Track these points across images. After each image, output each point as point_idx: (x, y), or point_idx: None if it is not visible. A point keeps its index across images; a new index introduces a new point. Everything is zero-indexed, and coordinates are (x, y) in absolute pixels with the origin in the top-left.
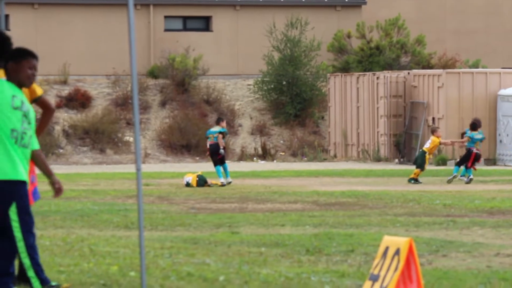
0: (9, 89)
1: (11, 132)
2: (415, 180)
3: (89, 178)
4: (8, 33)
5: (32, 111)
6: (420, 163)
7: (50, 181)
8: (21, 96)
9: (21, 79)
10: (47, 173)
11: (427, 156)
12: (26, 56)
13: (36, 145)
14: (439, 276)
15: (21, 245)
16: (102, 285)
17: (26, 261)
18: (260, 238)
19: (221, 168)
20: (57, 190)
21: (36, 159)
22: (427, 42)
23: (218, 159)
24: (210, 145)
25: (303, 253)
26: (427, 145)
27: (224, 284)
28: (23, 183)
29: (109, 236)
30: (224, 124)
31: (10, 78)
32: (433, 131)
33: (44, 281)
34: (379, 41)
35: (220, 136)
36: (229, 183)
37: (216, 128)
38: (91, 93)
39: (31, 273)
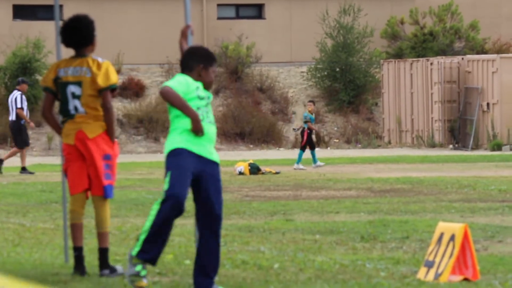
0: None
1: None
2: None
3: (144, 167)
4: (62, 23)
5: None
6: None
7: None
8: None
9: (206, 84)
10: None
11: None
12: (213, 62)
13: None
14: (495, 262)
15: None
16: (157, 274)
17: (147, 224)
18: (315, 225)
19: (315, 153)
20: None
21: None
22: (481, 27)
23: (308, 144)
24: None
25: (358, 240)
26: None
27: (278, 271)
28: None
29: None
30: (310, 107)
31: (199, 79)
32: None
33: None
34: (433, 27)
35: (309, 123)
36: (300, 168)
37: (305, 112)
38: (144, 82)
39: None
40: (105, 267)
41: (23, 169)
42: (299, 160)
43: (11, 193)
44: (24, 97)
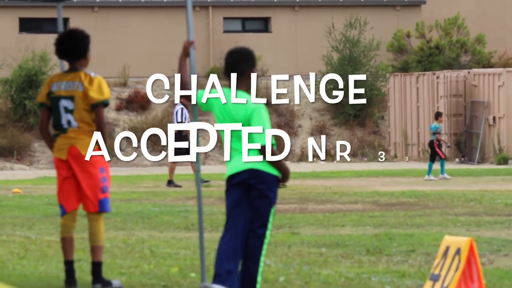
0: None
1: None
2: None
3: (150, 180)
4: (57, 35)
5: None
6: None
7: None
8: None
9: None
10: None
11: None
12: None
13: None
14: (501, 276)
15: (266, 247)
16: (163, 287)
17: (263, 265)
18: (320, 238)
19: (432, 165)
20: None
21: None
22: (487, 41)
23: (432, 155)
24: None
25: (364, 254)
26: None
27: (284, 285)
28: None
29: (170, 237)
30: (440, 119)
31: (245, 82)
32: None
33: None
34: (439, 41)
35: (437, 135)
36: (445, 178)
37: (434, 124)
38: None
39: (260, 278)
40: (97, 281)
41: (170, 182)
42: (429, 171)
43: (17, 206)
44: (186, 110)
